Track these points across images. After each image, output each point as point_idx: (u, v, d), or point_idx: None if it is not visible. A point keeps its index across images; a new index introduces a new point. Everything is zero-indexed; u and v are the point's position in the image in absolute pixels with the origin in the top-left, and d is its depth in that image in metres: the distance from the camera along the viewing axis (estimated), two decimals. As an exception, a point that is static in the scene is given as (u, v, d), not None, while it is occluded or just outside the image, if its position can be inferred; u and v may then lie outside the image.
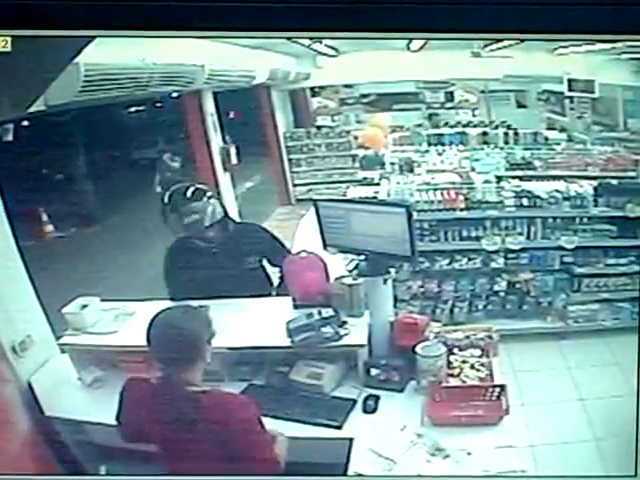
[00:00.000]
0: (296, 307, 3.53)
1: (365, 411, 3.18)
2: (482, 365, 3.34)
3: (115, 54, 3.64)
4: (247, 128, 5.07)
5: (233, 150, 5.20)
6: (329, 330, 3.33)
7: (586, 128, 5.07)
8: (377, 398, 3.22)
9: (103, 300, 3.55)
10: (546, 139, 5.11)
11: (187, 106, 5.03)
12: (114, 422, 2.95)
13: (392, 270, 3.43)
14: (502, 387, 3.16)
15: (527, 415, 3.58)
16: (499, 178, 4.85)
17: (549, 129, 5.20)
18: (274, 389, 3.30)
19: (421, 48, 4.48)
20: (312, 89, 5.60)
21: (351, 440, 3.02)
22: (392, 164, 5.15)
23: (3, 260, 3.27)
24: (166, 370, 2.86)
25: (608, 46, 3.77)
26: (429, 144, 5.27)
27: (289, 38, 3.47)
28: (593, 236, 4.63)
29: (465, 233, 4.72)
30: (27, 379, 3.27)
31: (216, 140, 5.16)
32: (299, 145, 5.68)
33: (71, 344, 3.43)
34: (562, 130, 5.16)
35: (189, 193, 3.63)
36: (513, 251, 4.70)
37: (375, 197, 4.83)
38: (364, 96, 5.54)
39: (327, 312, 3.39)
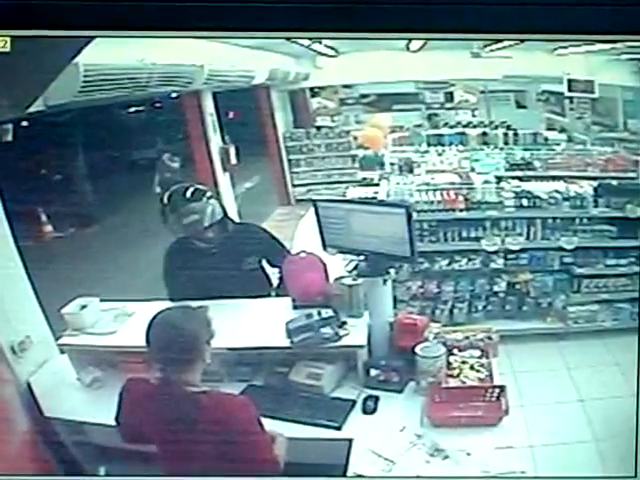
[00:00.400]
0: (295, 308, 3.53)
1: (364, 412, 3.18)
2: (482, 366, 3.34)
3: (114, 54, 3.63)
4: (246, 128, 5.06)
5: (232, 150, 5.20)
6: (328, 331, 3.33)
7: (586, 128, 5.07)
8: (376, 399, 3.22)
9: (102, 300, 3.55)
10: (546, 139, 5.11)
11: (186, 106, 5.03)
12: (113, 422, 2.95)
13: (392, 271, 3.43)
14: (502, 388, 3.16)
15: (527, 416, 3.58)
16: (499, 178, 4.85)
17: (549, 129, 5.20)
18: (273, 390, 3.30)
19: (421, 48, 4.48)
20: (312, 89, 5.59)
21: (350, 441, 3.02)
22: (392, 164, 5.15)
23: (2, 260, 3.27)
24: (165, 371, 2.86)
25: (608, 46, 3.77)
26: (429, 144, 5.27)
27: (288, 38, 3.47)
28: (593, 237, 4.63)
29: (465, 234, 4.72)
30: (26, 379, 3.27)
31: (215, 140, 5.16)
32: (298, 145, 5.68)
33: (70, 344, 3.43)
34: (562, 130, 5.16)
35: (188, 193, 3.62)
36: (513, 252, 4.70)
37: (375, 197, 4.82)
38: (364, 96, 5.54)
39: (327, 313, 3.39)
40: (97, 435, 3.15)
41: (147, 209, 4.37)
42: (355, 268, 3.47)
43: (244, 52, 4.50)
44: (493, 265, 4.73)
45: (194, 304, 3.29)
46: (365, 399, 3.22)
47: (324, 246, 3.56)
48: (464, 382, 3.28)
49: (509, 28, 2.45)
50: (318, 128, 5.65)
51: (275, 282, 3.83)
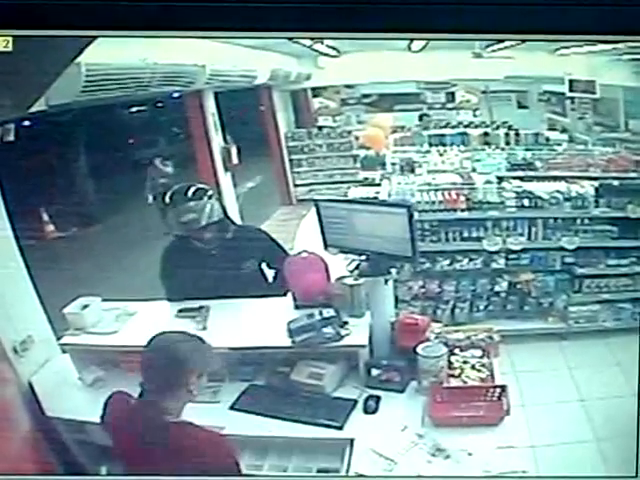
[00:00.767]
0: (297, 307, 3.53)
1: (366, 411, 3.18)
2: (483, 366, 3.34)
3: (116, 54, 3.64)
4: (248, 128, 5.07)
5: (234, 150, 5.20)
6: (330, 330, 3.34)
7: (587, 129, 5.06)
8: (378, 398, 3.22)
9: (104, 300, 3.56)
10: (547, 140, 5.11)
11: (188, 106, 5.03)
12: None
13: (393, 270, 3.43)
14: (503, 388, 3.17)
15: (528, 415, 3.57)
16: (500, 179, 4.84)
17: (550, 130, 5.20)
18: (275, 389, 3.31)
19: (422, 49, 4.48)
20: (313, 89, 5.59)
21: (352, 440, 3.02)
22: (393, 164, 5.14)
23: (4, 260, 3.27)
24: (145, 393, 2.85)
25: (609, 47, 3.77)
26: (430, 144, 5.27)
27: (290, 38, 3.47)
28: (594, 237, 4.63)
29: (466, 234, 4.72)
30: (28, 379, 3.27)
31: (217, 140, 5.16)
32: (300, 145, 5.68)
33: (72, 344, 3.44)
34: (563, 131, 5.15)
35: (190, 192, 3.62)
36: (514, 252, 4.70)
37: (376, 197, 4.82)
38: (365, 96, 5.54)
39: (328, 312, 3.40)
40: (98, 435, 3.15)
41: (149, 209, 4.38)
42: (357, 268, 3.47)
43: (246, 52, 4.50)
44: (494, 265, 4.73)
45: (191, 304, 3.32)
46: (366, 399, 3.22)
47: (325, 246, 3.56)
48: (465, 382, 3.29)
49: (511, 28, 2.45)
50: (320, 128, 5.65)
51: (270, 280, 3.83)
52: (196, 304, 3.56)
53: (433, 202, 4.71)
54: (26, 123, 3.71)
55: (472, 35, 2.50)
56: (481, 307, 4.74)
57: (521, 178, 4.87)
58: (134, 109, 4.88)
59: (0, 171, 3.18)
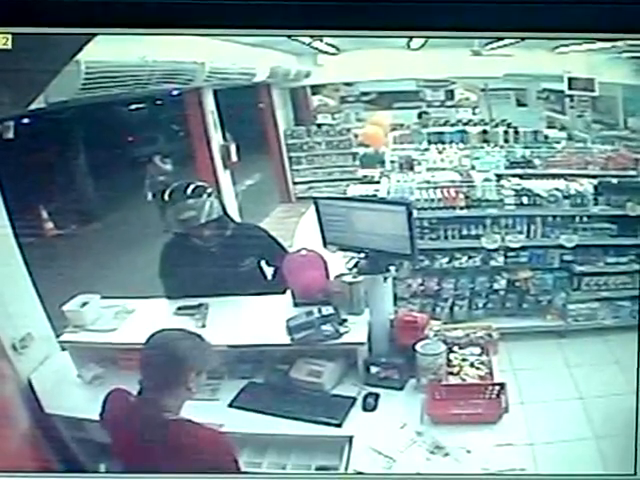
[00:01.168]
0: (296, 305, 3.53)
1: (365, 409, 3.19)
2: (482, 363, 3.35)
3: (116, 52, 3.63)
4: (247, 126, 5.06)
5: (233, 148, 5.19)
6: (329, 328, 3.34)
7: (586, 127, 5.06)
8: (377, 396, 3.23)
9: (103, 297, 3.56)
10: (546, 137, 5.11)
11: (187, 103, 5.03)
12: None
13: (392, 268, 3.44)
14: (502, 385, 3.17)
15: (527, 413, 3.58)
16: (499, 176, 4.84)
17: (549, 127, 5.19)
18: (274, 387, 3.31)
19: (422, 46, 4.48)
20: (312, 87, 5.59)
21: (351, 438, 3.03)
22: (392, 162, 5.14)
23: (3, 257, 3.27)
24: (144, 390, 2.85)
25: (609, 45, 3.76)
26: (429, 142, 5.27)
27: (289, 36, 3.47)
28: (593, 235, 4.63)
29: (465, 231, 4.71)
30: (27, 376, 3.28)
31: (216, 138, 5.16)
32: (299, 143, 5.67)
33: (71, 341, 3.44)
34: (562, 129, 5.15)
35: (189, 190, 3.62)
36: (513, 249, 4.70)
37: (375, 195, 4.82)
38: (364, 94, 5.53)
39: (327, 310, 3.40)
40: (98, 432, 3.15)
41: (148, 206, 4.38)
42: (355, 265, 3.47)
43: (245, 50, 4.50)
44: (493, 263, 4.73)
45: (190, 302, 3.32)
46: (365, 396, 3.22)
47: (325, 243, 3.57)
48: (464, 379, 3.29)
49: (510, 26, 2.45)
50: (319, 126, 5.64)
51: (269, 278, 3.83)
52: (195, 302, 3.56)
53: (432, 200, 4.71)
54: (25, 121, 3.71)
55: (471, 33, 2.50)
56: (480, 305, 4.74)
57: (520, 176, 4.87)
58: (133, 107, 4.88)
59: (-1, 169, 3.18)
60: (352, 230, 3.45)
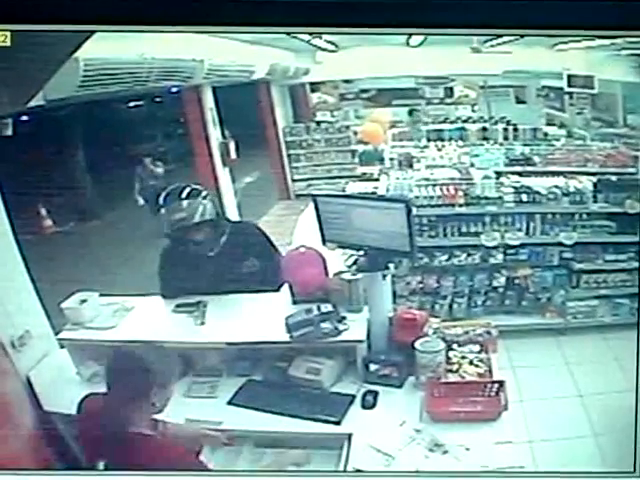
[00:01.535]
0: (295, 302, 3.52)
1: (364, 407, 3.18)
2: (481, 361, 3.34)
3: (114, 49, 3.63)
4: (246, 123, 5.07)
5: (232, 145, 5.19)
6: (328, 325, 3.33)
7: (585, 124, 5.07)
8: (376, 394, 3.22)
9: (102, 295, 3.55)
10: (545, 135, 5.11)
11: (186, 101, 5.03)
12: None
13: (391, 265, 3.43)
14: (501, 383, 3.17)
15: (526, 411, 3.58)
16: (498, 174, 4.84)
17: (548, 125, 5.20)
18: (273, 384, 3.31)
19: (421, 44, 4.48)
20: (311, 84, 5.59)
21: (350, 436, 3.03)
22: (391, 159, 5.14)
23: (2, 255, 3.27)
24: (106, 397, 2.85)
25: (608, 42, 3.76)
26: (428, 140, 5.27)
27: (288, 33, 3.46)
28: (592, 232, 4.63)
29: (464, 229, 4.72)
30: (26, 374, 3.27)
31: (215, 135, 5.16)
32: (298, 140, 5.68)
33: (70, 339, 3.43)
34: (561, 126, 5.15)
35: (184, 193, 3.60)
36: (512, 247, 4.70)
37: (374, 192, 4.82)
38: (363, 91, 5.54)
39: (326, 307, 3.39)
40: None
41: (147, 204, 4.38)
42: (354, 263, 3.47)
43: (244, 47, 4.50)
44: (492, 260, 4.73)
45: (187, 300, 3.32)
46: (364, 394, 3.22)
47: (324, 241, 3.56)
48: (463, 377, 3.29)
49: (509, 23, 2.45)
50: (318, 123, 5.65)
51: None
52: (194, 299, 3.56)
53: (431, 197, 4.71)
54: (24, 118, 3.71)
55: (470, 30, 2.50)
56: (479, 302, 4.74)
57: (519, 173, 4.88)
58: (132, 104, 4.88)
59: (-2, 166, 3.18)
60: (351, 227, 3.44)
